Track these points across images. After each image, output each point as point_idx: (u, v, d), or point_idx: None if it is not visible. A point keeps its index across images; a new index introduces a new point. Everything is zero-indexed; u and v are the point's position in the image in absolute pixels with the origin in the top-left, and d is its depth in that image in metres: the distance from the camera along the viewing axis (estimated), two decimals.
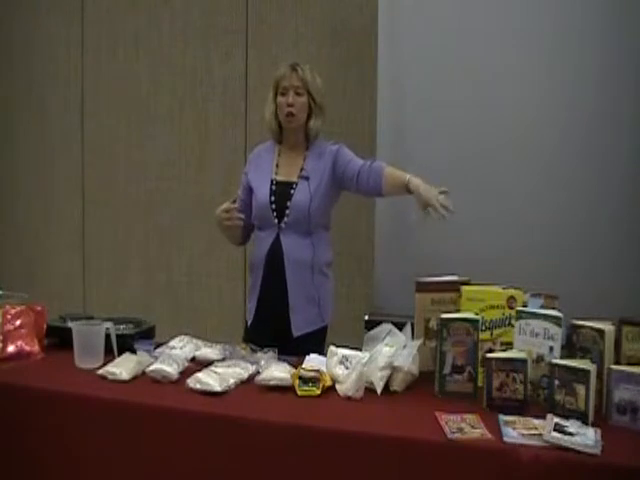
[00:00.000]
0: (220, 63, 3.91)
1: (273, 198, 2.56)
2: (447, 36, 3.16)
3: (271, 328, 2.55)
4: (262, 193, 2.58)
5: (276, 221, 2.55)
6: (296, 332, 2.54)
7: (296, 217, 2.53)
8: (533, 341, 1.98)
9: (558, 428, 1.70)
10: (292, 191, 2.55)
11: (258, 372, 2.12)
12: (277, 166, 2.62)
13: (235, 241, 2.74)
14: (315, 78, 2.58)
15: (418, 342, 2.13)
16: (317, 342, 2.52)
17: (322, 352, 2.29)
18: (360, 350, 2.16)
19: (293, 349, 2.35)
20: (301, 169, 2.58)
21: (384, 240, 3.32)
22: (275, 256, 2.54)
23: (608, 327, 1.92)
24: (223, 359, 2.23)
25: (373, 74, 3.34)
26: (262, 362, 2.19)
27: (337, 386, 2.03)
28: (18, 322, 2.35)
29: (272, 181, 2.59)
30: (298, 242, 2.55)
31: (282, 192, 2.56)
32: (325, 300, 2.62)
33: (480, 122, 3.12)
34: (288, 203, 2.54)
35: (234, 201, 2.53)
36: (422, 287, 2.21)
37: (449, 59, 3.15)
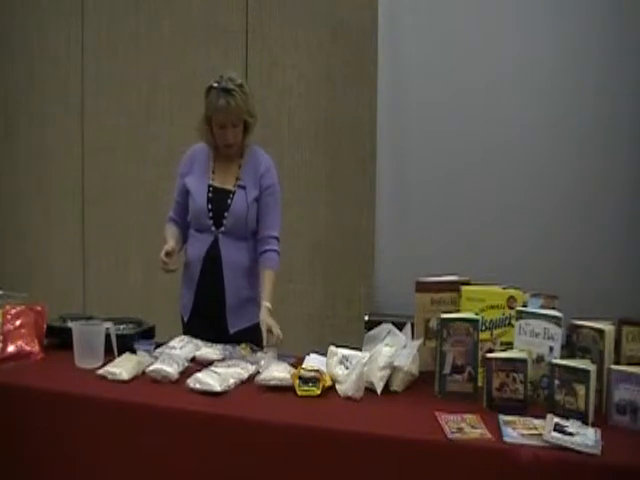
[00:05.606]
0: (220, 63, 3.90)
1: (210, 206, 2.57)
2: (447, 36, 3.16)
3: (208, 324, 2.58)
4: (199, 198, 2.59)
5: (213, 227, 2.58)
6: (232, 329, 2.58)
7: (234, 225, 2.56)
8: (533, 341, 1.98)
9: (558, 428, 1.70)
10: (229, 200, 2.57)
11: (258, 372, 2.12)
12: (213, 172, 2.63)
13: None
14: (247, 98, 2.52)
15: (418, 342, 2.13)
16: (254, 335, 2.54)
17: (259, 344, 2.39)
18: (360, 350, 2.16)
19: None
20: (237, 178, 2.60)
21: (384, 240, 3.32)
22: (213, 258, 2.57)
23: (608, 327, 1.92)
24: (223, 359, 2.23)
25: (373, 74, 3.34)
26: (262, 362, 2.19)
27: (337, 386, 2.03)
28: (18, 322, 2.36)
29: (209, 187, 2.60)
30: (236, 247, 2.58)
31: (220, 200, 2.58)
32: (258, 298, 2.64)
33: (480, 122, 3.12)
34: (226, 214, 2.57)
35: (167, 253, 2.51)
36: (422, 287, 2.21)
37: (449, 59, 3.15)
